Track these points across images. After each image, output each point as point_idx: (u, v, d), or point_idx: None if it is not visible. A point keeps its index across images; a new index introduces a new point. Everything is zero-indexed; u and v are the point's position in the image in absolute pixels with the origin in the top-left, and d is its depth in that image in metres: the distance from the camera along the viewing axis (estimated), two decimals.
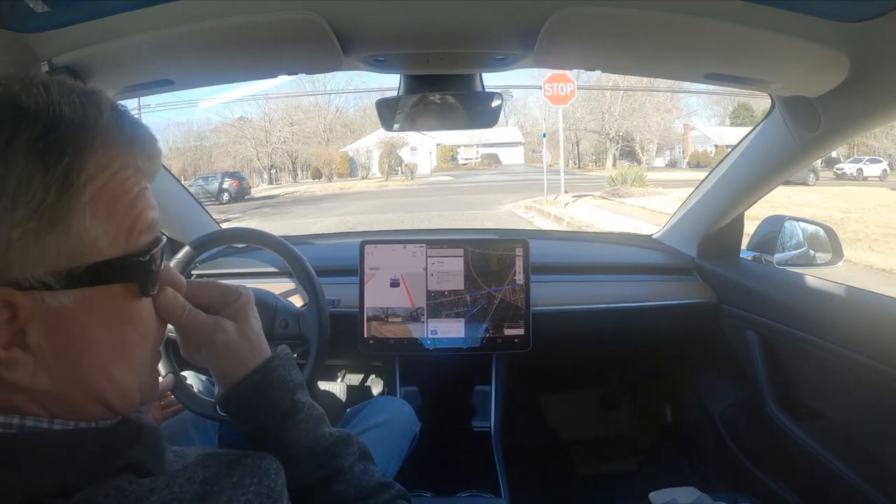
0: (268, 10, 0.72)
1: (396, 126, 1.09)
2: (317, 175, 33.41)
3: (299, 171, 35.43)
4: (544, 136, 19.52)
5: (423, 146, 32.86)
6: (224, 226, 1.67)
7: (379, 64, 0.91)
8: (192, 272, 1.45)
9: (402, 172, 29.96)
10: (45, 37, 0.78)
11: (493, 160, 36.90)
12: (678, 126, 32.90)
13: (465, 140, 36.45)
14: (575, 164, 34.72)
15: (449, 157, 36.42)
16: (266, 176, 35.37)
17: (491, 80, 1.00)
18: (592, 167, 34.62)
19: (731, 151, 1.31)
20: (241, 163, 34.96)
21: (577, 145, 35.51)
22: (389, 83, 1.04)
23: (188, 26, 0.74)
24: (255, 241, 1.16)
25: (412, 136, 29.33)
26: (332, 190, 24.44)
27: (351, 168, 33.46)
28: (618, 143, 31.39)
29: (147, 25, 0.75)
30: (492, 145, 37.75)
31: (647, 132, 30.50)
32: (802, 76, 0.85)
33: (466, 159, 37.22)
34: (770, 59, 0.82)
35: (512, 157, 38.13)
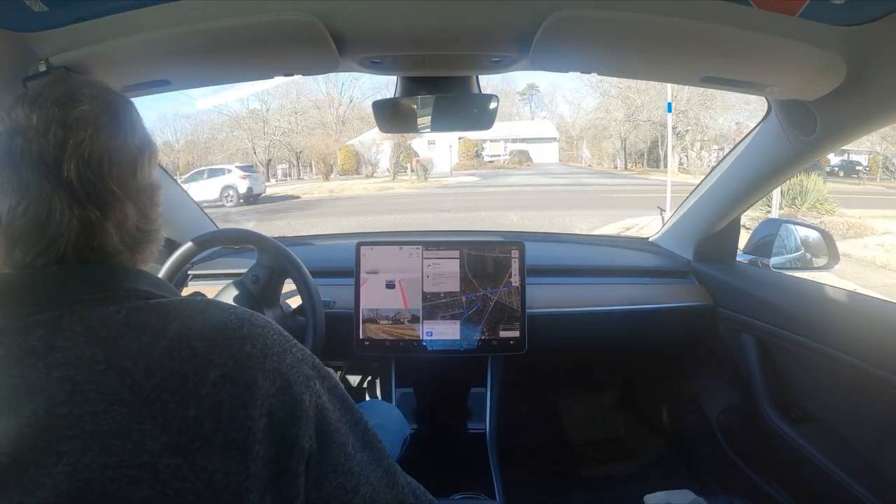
0: (264, 12, 0.72)
1: (393, 127, 1.09)
2: (329, 172, 27.57)
3: (312, 167, 30.66)
4: (669, 108, 13.35)
5: (442, 139, 27.35)
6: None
7: (375, 65, 0.91)
8: (189, 272, 1.45)
9: (412, 171, 23.82)
10: (42, 36, 0.78)
11: (524, 158, 30.89)
12: (720, 122, 24.38)
13: (492, 134, 30.39)
14: (622, 165, 28.44)
15: (473, 153, 30.54)
16: (264, 171, 30.30)
17: (487, 81, 1.00)
18: (638, 169, 27.39)
19: (727, 155, 1.31)
20: (237, 157, 30.30)
21: (625, 141, 28.24)
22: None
23: (185, 27, 0.74)
24: (251, 243, 1.16)
25: None
26: (320, 193, 18.75)
27: (357, 164, 28.16)
28: (683, 139, 23.89)
29: (144, 26, 0.76)
30: (522, 140, 31.91)
31: (713, 129, 23.25)
32: (799, 80, 0.86)
33: (493, 156, 31.21)
34: (766, 62, 0.82)
35: (544, 154, 32.12)
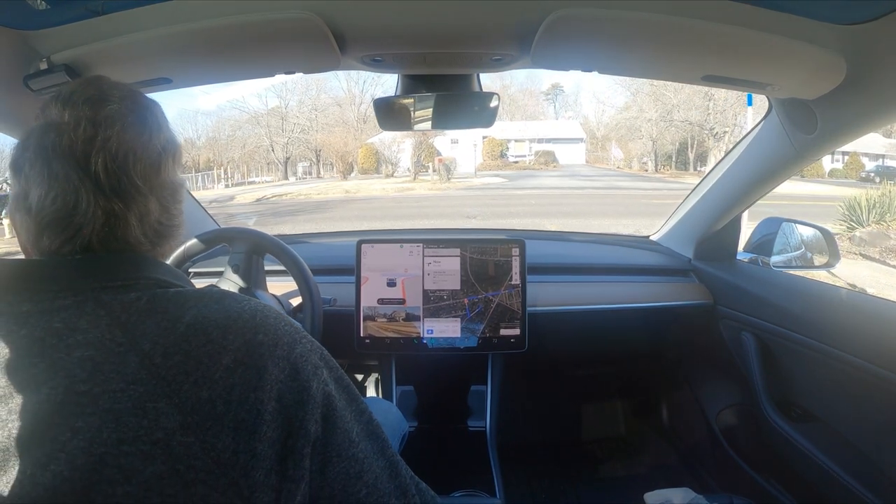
0: (265, 10, 0.72)
1: (393, 125, 1.09)
2: (348, 171, 26.83)
3: (332, 165, 29.67)
4: (750, 101, 10.80)
5: (465, 138, 27.10)
6: None
7: (377, 64, 0.91)
8: (190, 270, 1.45)
9: (434, 171, 22.14)
10: (44, 34, 0.79)
11: (550, 158, 30.50)
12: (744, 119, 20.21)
13: (516, 134, 30.99)
14: (653, 167, 27.43)
15: (497, 154, 30.30)
16: (283, 170, 29.82)
17: (488, 79, 1.01)
18: (668, 171, 26.45)
19: (728, 153, 1.31)
20: (257, 154, 30.18)
21: (655, 142, 26.92)
22: None
23: (185, 25, 0.75)
24: (253, 242, 1.16)
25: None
26: (334, 193, 17.65)
27: (377, 163, 27.46)
28: (721, 140, 21.77)
29: (145, 24, 0.76)
30: (548, 140, 31.49)
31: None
32: (800, 79, 0.86)
33: (518, 157, 31.00)
34: (767, 61, 0.82)
35: (571, 155, 31.72)
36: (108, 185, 0.46)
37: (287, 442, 0.43)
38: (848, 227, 6.99)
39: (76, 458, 0.37)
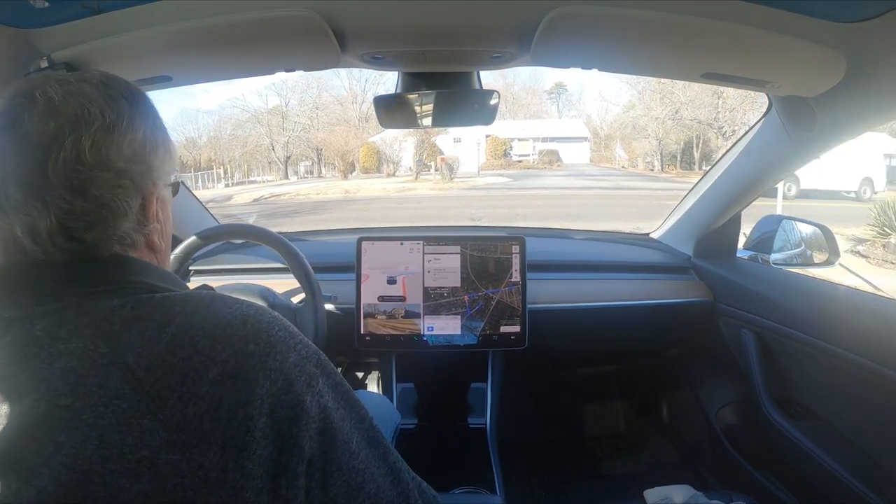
0: (266, 8, 0.72)
1: (393, 122, 1.09)
2: (349, 170, 26.18)
3: (335, 164, 28.47)
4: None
5: (468, 137, 26.29)
6: None
7: (377, 61, 0.91)
8: (191, 268, 1.45)
9: (436, 170, 21.97)
10: (44, 32, 0.79)
11: (554, 158, 29.63)
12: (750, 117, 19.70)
13: (520, 132, 30.31)
14: (659, 167, 26.68)
15: (501, 153, 29.65)
16: (283, 169, 29.36)
17: (490, 77, 1.00)
18: (674, 171, 25.81)
19: (728, 151, 1.31)
20: (258, 153, 29.95)
21: (661, 142, 26.32)
22: None
23: (186, 23, 0.75)
24: (254, 238, 1.17)
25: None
26: (334, 193, 17.42)
27: (379, 162, 26.98)
28: (730, 139, 19.41)
29: (145, 22, 0.76)
30: (552, 139, 30.56)
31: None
32: (799, 76, 0.86)
33: (522, 156, 30.24)
34: (767, 59, 0.82)
35: (575, 154, 30.97)
36: (79, 187, 0.43)
37: (280, 460, 0.41)
38: (880, 233, 6.40)
39: (60, 474, 0.36)
